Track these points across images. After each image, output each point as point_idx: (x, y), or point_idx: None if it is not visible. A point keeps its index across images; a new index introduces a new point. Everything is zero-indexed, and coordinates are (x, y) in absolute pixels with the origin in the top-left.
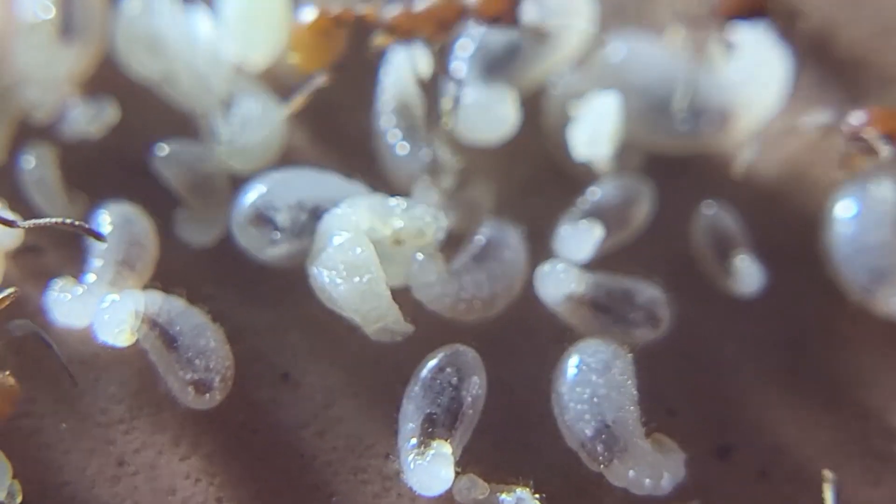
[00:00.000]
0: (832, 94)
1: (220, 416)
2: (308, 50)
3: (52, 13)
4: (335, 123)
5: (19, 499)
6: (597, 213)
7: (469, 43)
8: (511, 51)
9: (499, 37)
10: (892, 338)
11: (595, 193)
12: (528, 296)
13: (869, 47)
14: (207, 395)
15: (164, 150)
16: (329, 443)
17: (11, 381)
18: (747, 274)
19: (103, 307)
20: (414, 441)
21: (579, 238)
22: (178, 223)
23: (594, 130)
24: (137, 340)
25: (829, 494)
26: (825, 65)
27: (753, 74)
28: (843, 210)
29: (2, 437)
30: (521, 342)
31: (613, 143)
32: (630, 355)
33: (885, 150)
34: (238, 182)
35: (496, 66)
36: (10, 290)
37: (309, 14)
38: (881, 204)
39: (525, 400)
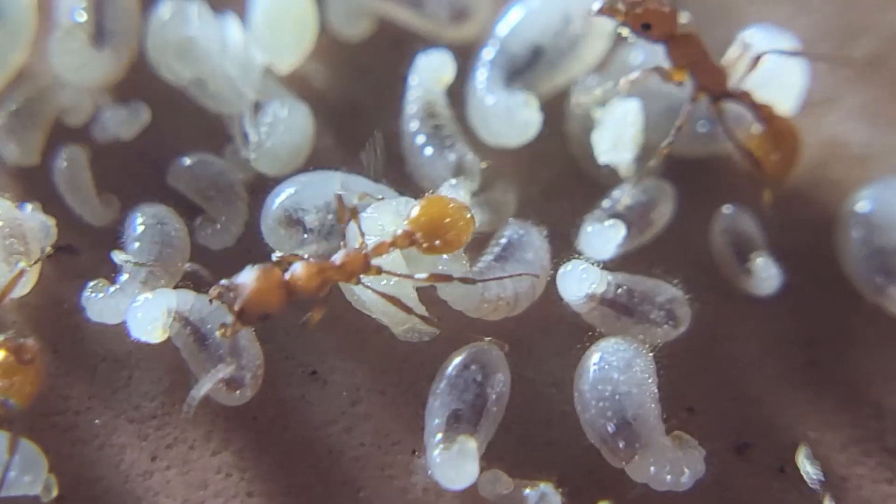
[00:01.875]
0: (848, 97)
1: (251, 413)
2: None
3: (85, 18)
4: (362, 126)
5: (55, 492)
6: (620, 215)
7: (492, 49)
8: (533, 56)
9: (521, 43)
10: None
11: (618, 196)
12: (551, 295)
13: (884, 51)
14: (238, 391)
15: (184, 162)
16: (356, 439)
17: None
18: (765, 274)
19: (136, 305)
20: (439, 436)
21: (604, 236)
22: (195, 229)
23: (617, 135)
24: (169, 338)
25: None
26: (842, 69)
27: (771, 78)
28: (859, 212)
29: (38, 433)
30: (544, 340)
31: (636, 147)
32: (651, 354)
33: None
34: (266, 185)
35: (518, 72)
36: (21, 265)
37: None
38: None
39: (548, 397)
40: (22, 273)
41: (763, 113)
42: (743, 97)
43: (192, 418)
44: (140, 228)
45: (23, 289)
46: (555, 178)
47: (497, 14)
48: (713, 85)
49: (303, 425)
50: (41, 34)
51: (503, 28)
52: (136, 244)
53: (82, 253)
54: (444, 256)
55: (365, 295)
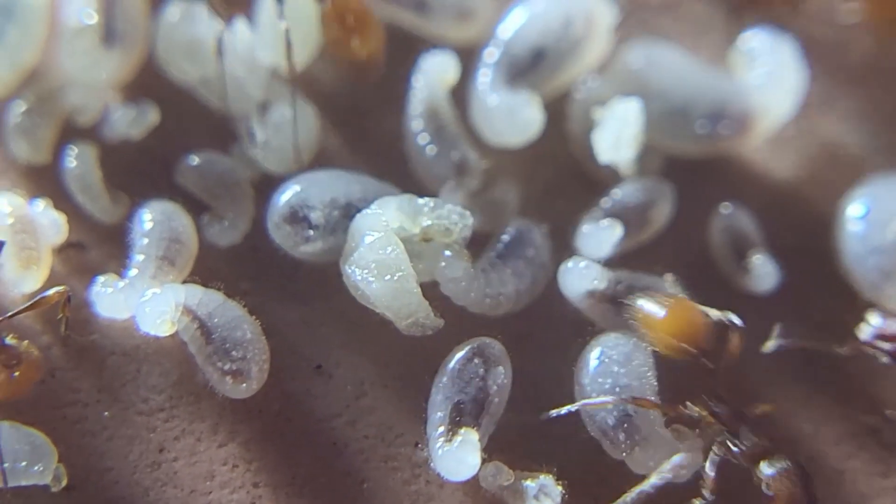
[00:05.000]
0: (844, 99)
1: (257, 406)
2: None
3: (95, 19)
4: (366, 127)
5: (64, 482)
6: (619, 214)
7: (495, 50)
8: (535, 58)
9: (523, 45)
10: None
11: (617, 194)
12: (552, 291)
13: (879, 56)
14: (245, 384)
15: (191, 161)
16: (360, 431)
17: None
18: (763, 272)
19: (145, 300)
20: (442, 429)
21: (600, 236)
22: (203, 226)
23: (618, 135)
24: (177, 333)
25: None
26: (838, 70)
27: (771, 79)
28: (855, 211)
29: (48, 424)
30: (545, 335)
31: (636, 146)
32: (650, 348)
33: None
34: (273, 183)
35: (521, 73)
36: (60, 287)
37: None
38: (892, 205)
39: (549, 390)
40: (67, 297)
41: None
42: None
43: (198, 411)
44: (148, 224)
45: (34, 285)
46: (556, 178)
47: (499, 16)
48: None
49: (307, 418)
50: (52, 35)
51: (506, 30)
52: (145, 240)
53: (91, 249)
54: (447, 253)
55: (369, 289)
